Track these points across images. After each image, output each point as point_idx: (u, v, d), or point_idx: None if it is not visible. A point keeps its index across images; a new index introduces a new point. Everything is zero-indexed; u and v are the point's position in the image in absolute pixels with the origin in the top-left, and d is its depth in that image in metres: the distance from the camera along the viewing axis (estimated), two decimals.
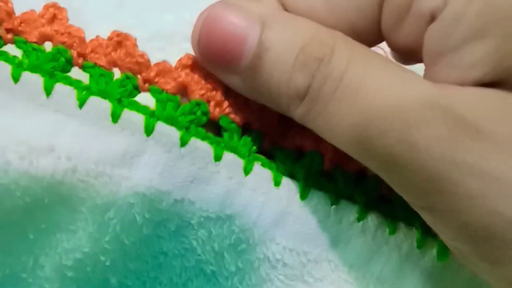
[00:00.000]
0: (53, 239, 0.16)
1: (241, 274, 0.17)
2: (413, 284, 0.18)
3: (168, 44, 0.39)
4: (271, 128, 0.18)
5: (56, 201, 0.16)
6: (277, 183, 0.17)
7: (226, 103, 0.17)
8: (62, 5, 0.18)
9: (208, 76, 0.17)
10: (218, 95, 0.17)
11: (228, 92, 0.17)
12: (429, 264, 0.18)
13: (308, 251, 0.17)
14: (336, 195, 0.18)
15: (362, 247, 0.18)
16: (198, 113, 0.17)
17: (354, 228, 0.18)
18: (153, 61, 0.18)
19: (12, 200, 0.15)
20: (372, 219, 0.18)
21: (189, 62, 0.17)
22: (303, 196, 0.17)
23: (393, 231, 0.18)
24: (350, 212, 0.18)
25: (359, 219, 0.18)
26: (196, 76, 0.17)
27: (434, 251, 0.18)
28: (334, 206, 0.17)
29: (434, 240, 0.18)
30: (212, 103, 0.17)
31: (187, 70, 0.17)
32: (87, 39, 0.18)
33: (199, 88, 0.17)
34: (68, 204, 0.16)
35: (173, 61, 0.33)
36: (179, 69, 0.17)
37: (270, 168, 0.17)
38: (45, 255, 0.17)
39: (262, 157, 0.18)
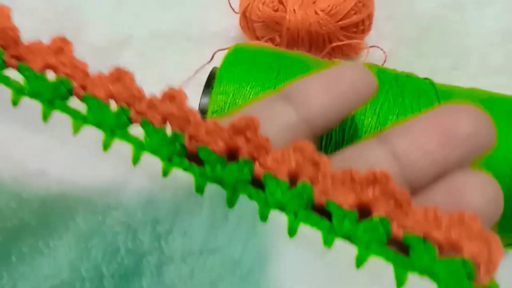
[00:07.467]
0: (33, 263, 0.16)
1: None
2: None
3: (167, 43, 0.39)
4: (262, 154, 0.17)
5: (42, 226, 0.16)
6: (263, 217, 0.16)
7: (202, 132, 0.17)
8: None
9: (183, 108, 0.17)
10: (192, 128, 0.17)
11: (206, 120, 0.17)
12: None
13: None
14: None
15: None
16: (177, 145, 0.17)
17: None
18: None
19: (1, 221, 0.16)
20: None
21: (171, 94, 0.18)
22: (291, 232, 0.16)
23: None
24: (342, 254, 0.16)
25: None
26: (174, 109, 0.17)
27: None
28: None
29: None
30: (186, 136, 0.17)
31: (168, 103, 0.17)
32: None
33: (175, 121, 0.17)
34: (54, 229, 0.16)
35: (173, 61, 0.33)
36: (163, 102, 0.18)
37: (258, 201, 0.16)
38: (25, 279, 0.16)
39: (251, 187, 0.17)
